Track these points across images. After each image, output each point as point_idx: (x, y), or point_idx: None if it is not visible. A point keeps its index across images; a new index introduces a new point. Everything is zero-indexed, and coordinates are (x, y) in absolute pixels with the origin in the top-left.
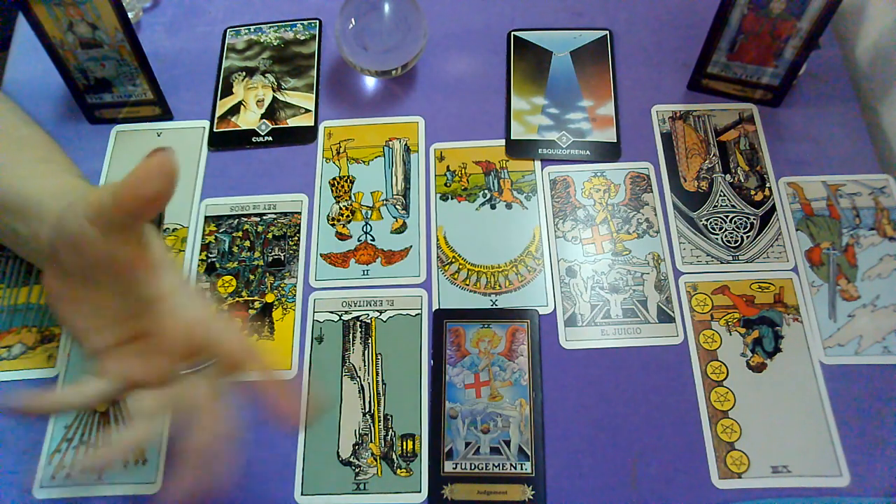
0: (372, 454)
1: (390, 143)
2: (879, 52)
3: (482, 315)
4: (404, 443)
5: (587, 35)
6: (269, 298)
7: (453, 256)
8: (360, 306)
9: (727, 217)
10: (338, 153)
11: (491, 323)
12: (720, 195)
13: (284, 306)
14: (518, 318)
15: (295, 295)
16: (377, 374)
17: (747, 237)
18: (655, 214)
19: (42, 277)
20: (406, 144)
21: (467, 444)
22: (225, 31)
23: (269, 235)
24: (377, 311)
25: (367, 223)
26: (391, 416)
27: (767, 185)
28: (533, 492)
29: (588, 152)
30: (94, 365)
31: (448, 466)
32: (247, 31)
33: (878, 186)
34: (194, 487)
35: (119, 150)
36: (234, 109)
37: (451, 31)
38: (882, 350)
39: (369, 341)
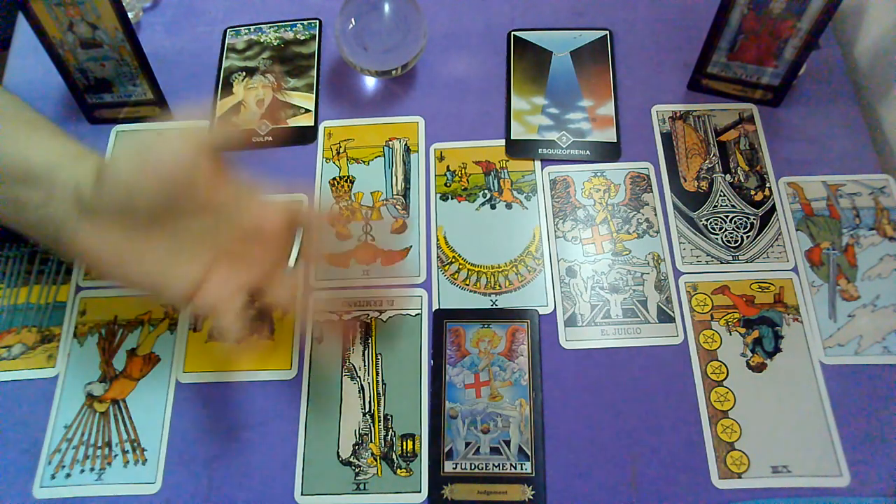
0: (372, 454)
1: (390, 143)
2: (879, 52)
3: (482, 315)
4: (404, 443)
5: (587, 35)
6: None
7: (453, 256)
8: (360, 306)
9: (727, 217)
10: (338, 153)
11: (491, 323)
12: (720, 195)
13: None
14: (518, 318)
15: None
16: (377, 374)
17: (747, 237)
18: (655, 214)
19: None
20: (406, 144)
21: (467, 444)
22: (225, 31)
23: None
24: (377, 311)
25: (367, 223)
26: (391, 416)
27: (767, 185)
28: (533, 492)
29: (588, 152)
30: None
31: (448, 466)
32: (247, 31)
33: (878, 186)
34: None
35: (119, 150)
36: (234, 109)
37: (451, 31)
38: (882, 350)
39: (369, 341)
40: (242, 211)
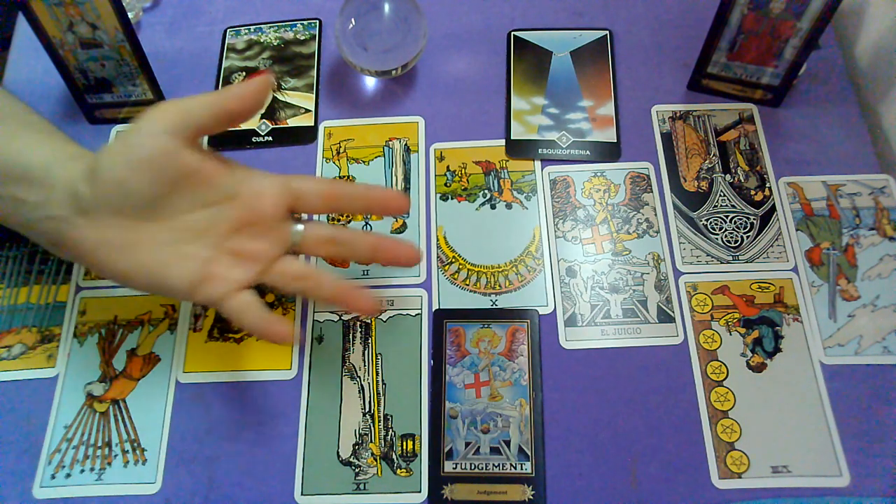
0: (372, 454)
1: (390, 143)
2: (879, 52)
3: (482, 315)
4: (404, 443)
5: (587, 35)
6: (269, 298)
7: (453, 256)
8: None
9: (727, 217)
10: (338, 153)
11: (491, 323)
12: (720, 195)
13: (284, 306)
14: (518, 318)
15: (295, 295)
16: (377, 374)
17: (747, 237)
18: (655, 214)
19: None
20: (406, 144)
21: (467, 444)
22: (225, 31)
23: None
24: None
25: (367, 223)
26: (391, 416)
27: (767, 185)
28: (533, 492)
29: (588, 152)
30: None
31: (448, 466)
32: (247, 31)
33: (878, 186)
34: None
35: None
36: None
37: (451, 31)
38: (882, 350)
39: (369, 341)
40: (241, 197)
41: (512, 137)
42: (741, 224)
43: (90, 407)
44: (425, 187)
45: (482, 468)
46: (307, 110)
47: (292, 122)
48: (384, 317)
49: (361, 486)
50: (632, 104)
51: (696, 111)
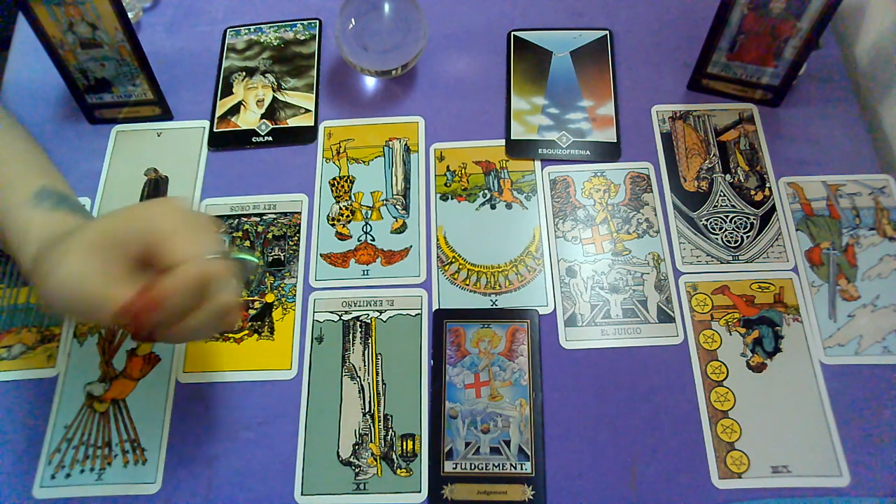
0: (372, 454)
1: (390, 143)
2: (879, 52)
3: (482, 315)
4: (404, 443)
5: (587, 35)
6: (269, 298)
7: (453, 256)
8: (360, 306)
9: (727, 217)
10: (338, 153)
11: (491, 323)
12: (720, 195)
13: (284, 306)
14: (518, 318)
15: (295, 295)
16: (377, 374)
17: (747, 237)
18: (655, 214)
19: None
20: (406, 144)
21: (467, 444)
22: (225, 31)
23: (269, 235)
24: (377, 311)
25: (367, 223)
26: (391, 416)
27: (767, 185)
28: (533, 492)
29: (588, 152)
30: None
31: (448, 466)
32: (247, 31)
33: (878, 186)
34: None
35: (119, 150)
36: (234, 109)
37: (451, 31)
38: (882, 350)
39: (369, 341)
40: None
41: (512, 137)
42: (741, 224)
43: (90, 407)
44: (425, 187)
45: (482, 468)
46: (307, 110)
47: (292, 122)
48: (384, 317)
49: (361, 486)
50: (632, 104)
51: (696, 111)
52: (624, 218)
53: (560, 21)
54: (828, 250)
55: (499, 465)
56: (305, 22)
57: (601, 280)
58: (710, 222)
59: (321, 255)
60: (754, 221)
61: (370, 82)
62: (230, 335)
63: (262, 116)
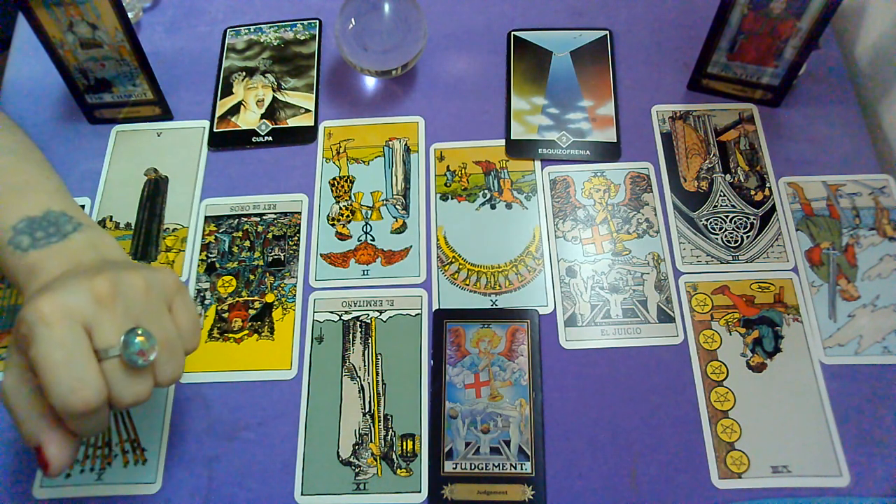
0: (372, 454)
1: (390, 143)
2: (879, 52)
3: (482, 315)
4: (404, 443)
5: (587, 35)
6: (269, 298)
7: (453, 256)
8: (360, 306)
9: (727, 217)
10: (338, 153)
11: (491, 323)
12: (720, 195)
13: (284, 306)
14: (518, 318)
15: (295, 295)
16: (377, 374)
17: (747, 237)
18: (655, 214)
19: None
20: (406, 144)
21: (467, 444)
22: (225, 31)
23: (269, 235)
24: (377, 311)
25: (367, 223)
26: (391, 416)
27: (767, 185)
28: (533, 492)
29: (588, 152)
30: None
31: (448, 466)
32: (247, 31)
33: (878, 186)
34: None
35: (119, 150)
36: (234, 109)
37: (451, 31)
38: (882, 350)
39: (369, 341)
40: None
41: (512, 137)
42: (741, 224)
43: None
44: (425, 187)
45: (482, 468)
46: (307, 110)
47: (292, 122)
48: (384, 317)
49: (361, 486)
50: (632, 104)
51: (696, 111)
52: (624, 218)
53: (560, 21)
54: (828, 250)
55: (499, 465)
56: (305, 22)
57: (601, 280)
58: (710, 222)
59: (321, 255)
60: (754, 221)
61: (370, 82)
62: (230, 335)
63: (262, 116)
